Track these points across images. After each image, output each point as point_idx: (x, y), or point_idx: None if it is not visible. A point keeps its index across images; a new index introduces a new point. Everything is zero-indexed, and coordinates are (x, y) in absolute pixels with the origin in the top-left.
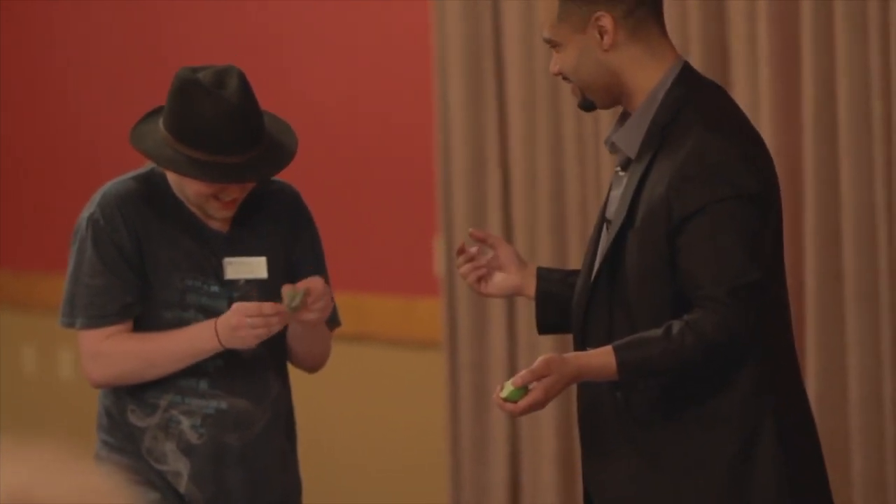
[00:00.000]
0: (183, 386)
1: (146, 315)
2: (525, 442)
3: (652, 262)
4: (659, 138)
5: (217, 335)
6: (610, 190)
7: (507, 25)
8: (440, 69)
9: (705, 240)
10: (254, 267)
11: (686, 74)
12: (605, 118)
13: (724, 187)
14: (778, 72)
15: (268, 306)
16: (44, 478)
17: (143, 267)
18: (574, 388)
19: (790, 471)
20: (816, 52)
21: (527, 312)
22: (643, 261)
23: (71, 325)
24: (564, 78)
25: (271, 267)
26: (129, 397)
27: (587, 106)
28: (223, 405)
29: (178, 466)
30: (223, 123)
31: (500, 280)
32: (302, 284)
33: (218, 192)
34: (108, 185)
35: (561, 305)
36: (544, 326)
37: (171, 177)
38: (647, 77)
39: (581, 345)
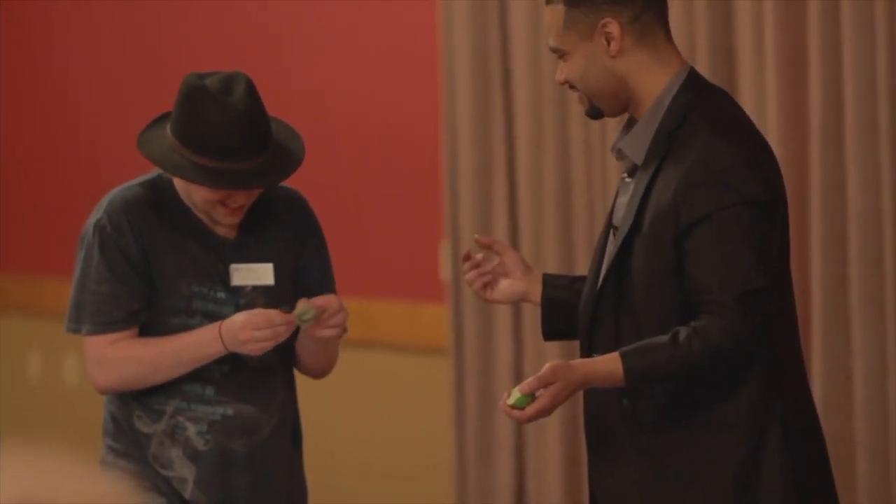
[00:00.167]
0: (189, 392)
1: (152, 321)
2: (530, 448)
3: (659, 269)
4: (665, 145)
5: (221, 339)
6: (616, 196)
7: (514, 32)
8: (447, 75)
9: (712, 246)
10: (260, 273)
11: (692, 80)
12: (612, 125)
13: (730, 194)
14: (784, 77)
15: (278, 316)
16: (49, 483)
17: (150, 273)
18: (580, 394)
19: (797, 477)
20: (823, 56)
21: (533, 319)
22: (650, 267)
23: (77, 331)
24: (571, 87)
25: (278, 273)
26: (135, 403)
27: (595, 114)
28: (229, 412)
29: (183, 472)
30: (230, 130)
31: (505, 286)
32: (318, 302)
33: (225, 199)
34: (115, 192)
35: (567, 312)
36: (550, 333)
37: (178, 183)
38: (654, 82)
39: (587, 351)
